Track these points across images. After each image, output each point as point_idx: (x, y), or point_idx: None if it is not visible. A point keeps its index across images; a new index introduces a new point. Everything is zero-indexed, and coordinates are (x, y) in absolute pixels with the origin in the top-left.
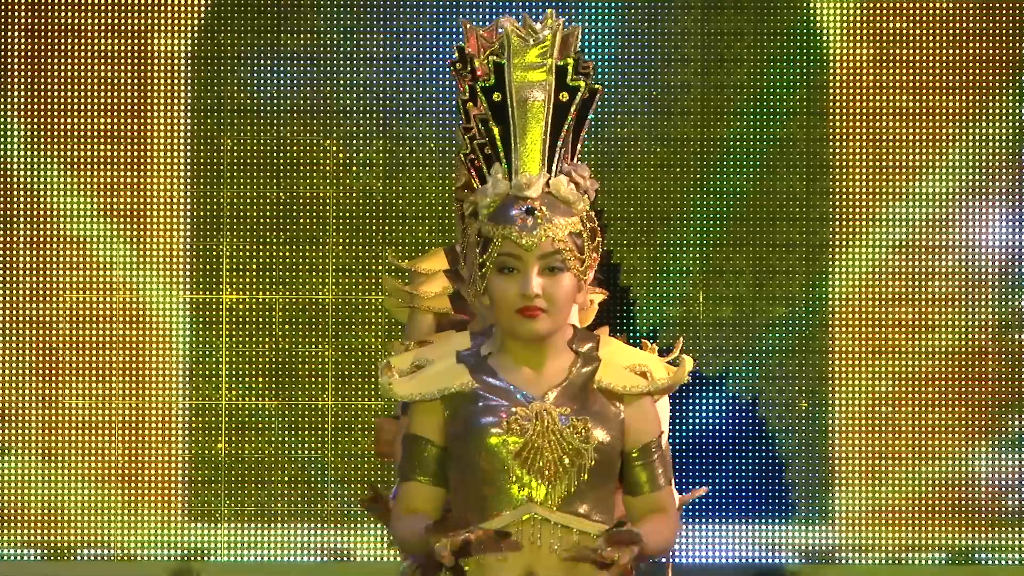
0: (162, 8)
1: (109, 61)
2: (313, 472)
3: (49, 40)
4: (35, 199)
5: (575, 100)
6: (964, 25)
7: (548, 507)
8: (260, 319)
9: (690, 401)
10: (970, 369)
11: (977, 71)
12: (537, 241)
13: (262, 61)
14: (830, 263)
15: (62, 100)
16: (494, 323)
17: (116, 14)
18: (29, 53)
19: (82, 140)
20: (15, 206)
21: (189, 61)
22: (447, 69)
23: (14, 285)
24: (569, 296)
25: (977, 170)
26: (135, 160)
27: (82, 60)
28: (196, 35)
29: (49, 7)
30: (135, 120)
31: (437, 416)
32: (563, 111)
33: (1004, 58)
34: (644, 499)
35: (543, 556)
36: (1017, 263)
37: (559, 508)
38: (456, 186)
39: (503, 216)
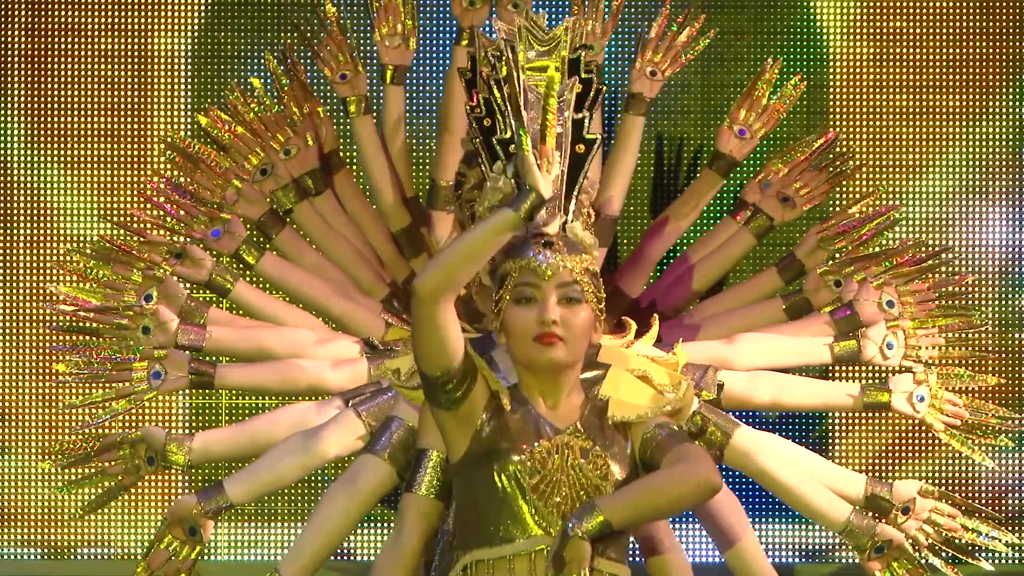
0: (162, 8)
1: (109, 60)
2: (312, 471)
3: (49, 39)
4: (35, 198)
5: (591, 152)
6: (964, 24)
7: None
8: None
9: None
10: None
11: (977, 70)
12: (556, 270)
13: (262, 61)
14: None
15: (62, 99)
16: (513, 359)
17: (116, 13)
18: (29, 52)
19: (82, 139)
20: (15, 206)
21: (189, 61)
22: (446, 69)
23: (14, 285)
24: (586, 328)
25: (977, 169)
26: (135, 160)
27: (82, 59)
28: (196, 35)
29: (49, 6)
30: (135, 119)
31: (487, 391)
32: (579, 162)
33: (1004, 57)
34: (666, 459)
35: None
36: (1017, 263)
37: None
38: (466, 186)
39: (520, 251)
